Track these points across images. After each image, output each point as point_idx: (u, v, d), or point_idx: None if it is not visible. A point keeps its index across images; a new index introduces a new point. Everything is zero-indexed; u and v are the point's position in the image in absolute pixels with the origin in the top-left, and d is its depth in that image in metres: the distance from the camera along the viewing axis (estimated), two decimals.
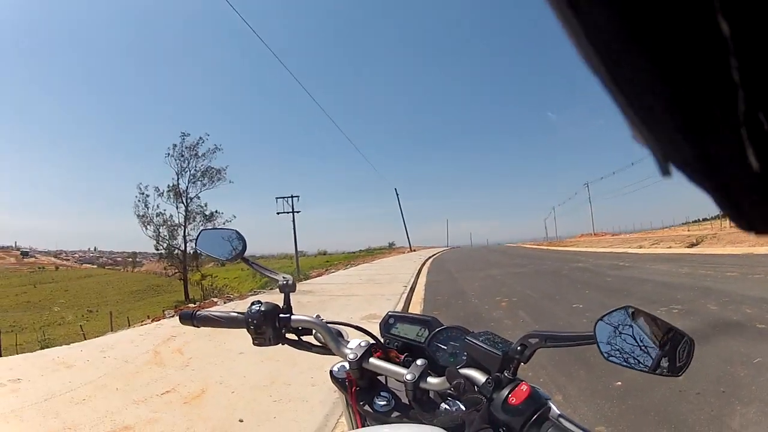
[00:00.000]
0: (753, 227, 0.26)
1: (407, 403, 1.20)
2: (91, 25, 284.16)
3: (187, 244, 47.63)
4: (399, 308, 9.65)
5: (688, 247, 25.72)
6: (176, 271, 50.48)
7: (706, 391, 4.02)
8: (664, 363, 0.91)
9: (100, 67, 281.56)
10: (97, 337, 8.33)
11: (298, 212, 47.42)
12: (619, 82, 0.25)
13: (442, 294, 12.89)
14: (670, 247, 27.10)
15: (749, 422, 3.44)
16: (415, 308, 10.47)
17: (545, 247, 54.75)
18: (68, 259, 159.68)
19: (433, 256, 43.81)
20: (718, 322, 6.48)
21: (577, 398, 4.19)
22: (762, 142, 0.22)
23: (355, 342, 1.33)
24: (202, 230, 1.74)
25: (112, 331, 10.99)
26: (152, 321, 10.31)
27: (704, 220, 76.67)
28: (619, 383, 4.36)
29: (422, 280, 17.73)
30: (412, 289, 13.84)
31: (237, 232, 1.62)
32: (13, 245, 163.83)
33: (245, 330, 1.40)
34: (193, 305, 14.55)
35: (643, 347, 0.94)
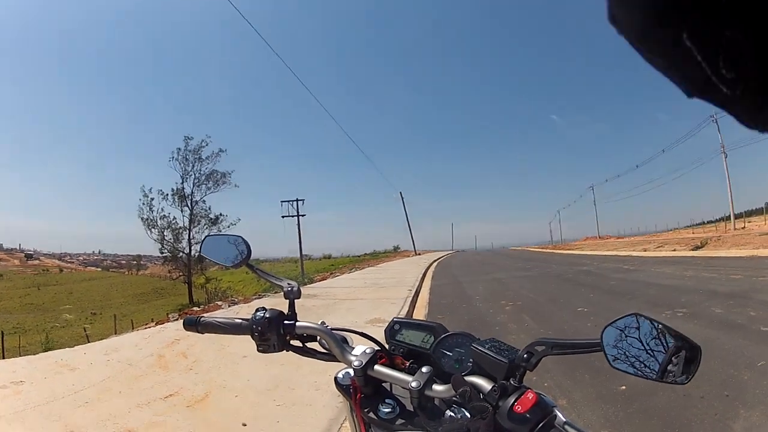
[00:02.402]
0: None
1: (412, 410, 1.19)
2: (95, 27, 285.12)
3: (192, 248, 47.62)
4: (404, 312, 9.72)
5: (692, 249, 25.80)
6: (180, 274, 50.49)
7: (710, 395, 4.03)
8: (671, 371, 0.92)
9: (105, 69, 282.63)
10: (101, 339, 8.33)
11: (303, 216, 47.14)
12: None
13: (447, 297, 12.95)
14: (674, 250, 27.19)
15: (753, 426, 3.46)
16: (420, 312, 10.51)
17: (550, 251, 54.89)
18: (72, 262, 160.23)
19: (438, 259, 43.87)
20: (722, 326, 6.49)
21: (582, 402, 4.20)
22: None
23: (360, 348, 1.33)
24: (207, 236, 1.74)
25: (116, 334, 11.01)
26: (156, 324, 10.36)
27: (709, 222, 76.64)
28: (624, 387, 4.37)
29: (427, 283, 17.81)
30: (417, 293, 13.86)
31: (242, 237, 1.61)
32: (18, 247, 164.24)
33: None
34: (198, 309, 14.52)
35: (650, 355, 0.94)
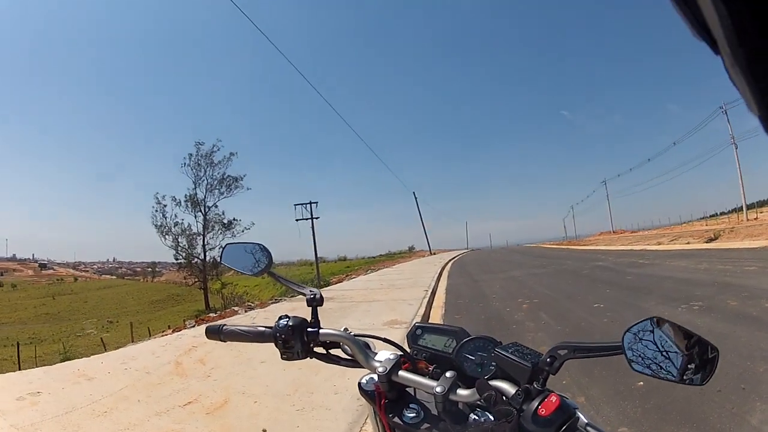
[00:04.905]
0: None
1: (436, 414, 1.20)
2: (109, 36, 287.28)
3: (207, 253, 47.75)
4: (421, 312, 9.70)
5: (706, 242, 25.69)
6: (196, 280, 50.66)
7: (726, 389, 4.01)
8: (690, 372, 0.94)
9: (117, 76, 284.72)
10: (118, 348, 8.35)
11: (316, 218, 47.27)
12: None
13: (463, 297, 12.90)
14: (688, 243, 27.03)
15: None
16: (437, 312, 10.48)
17: (565, 247, 54.65)
18: (87, 271, 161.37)
19: (453, 258, 43.88)
20: (738, 318, 6.44)
21: (600, 399, 4.21)
22: None
23: (384, 354, 1.34)
24: (227, 244, 1.74)
25: (132, 342, 11.04)
26: (173, 331, 10.37)
27: (722, 214, 76.09)
28: (641, 383, 4.36)
29: (443, 283, 17.73)
30: (434, 293, 13.80)
31: (262, 245, 1.62)
32: (31, 257, 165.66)
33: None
34: (214, 315, 14.54)
35: (668, 357, 0.97)
